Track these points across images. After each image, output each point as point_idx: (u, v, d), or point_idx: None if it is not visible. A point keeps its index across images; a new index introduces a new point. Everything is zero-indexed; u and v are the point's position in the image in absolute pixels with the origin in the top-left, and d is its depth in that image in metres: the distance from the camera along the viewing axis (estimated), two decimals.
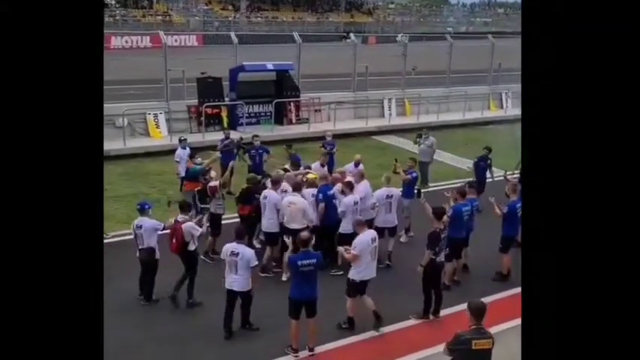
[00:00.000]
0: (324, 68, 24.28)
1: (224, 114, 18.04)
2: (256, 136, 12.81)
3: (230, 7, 56.60)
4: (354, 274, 7.55)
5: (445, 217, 8.07)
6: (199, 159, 10.87)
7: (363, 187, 9.69)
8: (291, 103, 19.41)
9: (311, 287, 7.02)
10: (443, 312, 8.10)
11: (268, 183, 9.70)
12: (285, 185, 9.47)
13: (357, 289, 7.59)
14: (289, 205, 8.88)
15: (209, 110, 17.62)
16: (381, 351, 7.31)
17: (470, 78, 24.47)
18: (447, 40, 23.93)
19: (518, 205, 8.83)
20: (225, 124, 17.58)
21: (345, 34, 35.75)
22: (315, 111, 20.08)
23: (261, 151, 12.36)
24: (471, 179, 11.69)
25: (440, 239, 7.77)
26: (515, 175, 11.71)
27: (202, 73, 18.17)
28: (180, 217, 8.23)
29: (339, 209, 9.07)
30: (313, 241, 7.17)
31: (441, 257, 7.91)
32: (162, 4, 52.60)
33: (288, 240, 7.68)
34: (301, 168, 10.61)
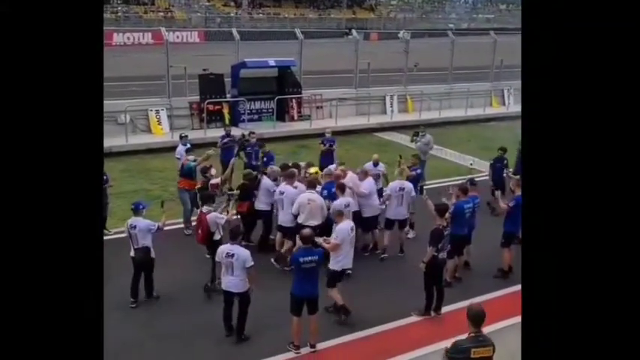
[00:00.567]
0: (325, 65, 24.24)
1: (226, 110, 18.02)
2: (252, 132, 12.83)
3: (232, 4, 56.49)
4: (333, 264, 7.74)
5: (447, 214, 8.08)
6: (192, 156, 10.86)
7: (367, 183, 9.69)
8: (293, 100, 19.39)
9: (313, 284, 7.03)
10: (444, 309, 8.10)
11: (265, 179, 9.73)
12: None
13: (338, 278, 7.84)
14: (309, 203, 8.88)
15: (211, 107, 17.60)
16: (382, 348, 7.31)
17: (472, 75, 24.39)
18: (449, 37, 23.85)
19: None
20: (227, 121, 17.57)
21: (347, 30, 35.65)
22: (317, 108, 20.06)
23: (257, 148, 12.36)
24: (472, 176, 11.67)
25: (443, 236, 7.77)
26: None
27: (204, 70, 18.15)
28: (205, 208, 8.52)
29: (331, 212, 8.86)
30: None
31: (444, 254, 7.91)
32: (164, 0, 52.55)
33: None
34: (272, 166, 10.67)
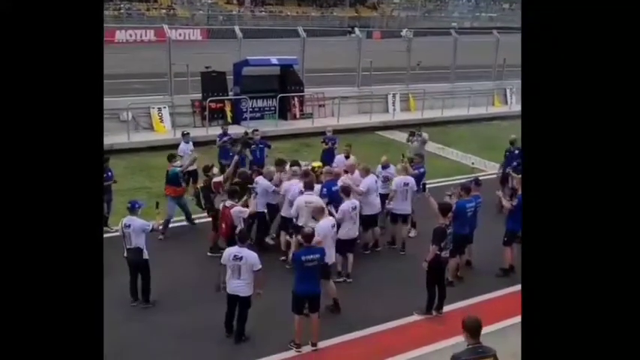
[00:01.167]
0: (328, 63, 24.21)
1: (228, 108, 18.01)
2: (256, 130, 12.79)
3: (234, 2, 56.48)
4: None
5: (450, 213, 8.06)
6: (178, 162, 10.70)
7: (369, 180, 9.66)
8: (295, 98, 19.36)
9: (314, 282, 7.04)
10: (446, 308, 8.07)
11: (259, 178, 9.68)
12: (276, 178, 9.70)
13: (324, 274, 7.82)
14: (306, 205, 8.74)
15: (213, 105, 17.58)
16: (384, 346, 7.30)
17: (474, 73, 24.35)
18: (452, 36, 23.81)
19: None
20: (229, 119, 17.56)
21: (349, 28, 35.56)
22: (319, 106, 20.03)
23: (261, 145, 12.33)
24: (476, 175, 11.66)
25: (445, 235, 7.75)
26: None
27: (206, 68, 18.12)
28: (229, 202, 8.55)
29: (337, 216, 8.65)
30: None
31: (446, 253, 7.90)
32: None
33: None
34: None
